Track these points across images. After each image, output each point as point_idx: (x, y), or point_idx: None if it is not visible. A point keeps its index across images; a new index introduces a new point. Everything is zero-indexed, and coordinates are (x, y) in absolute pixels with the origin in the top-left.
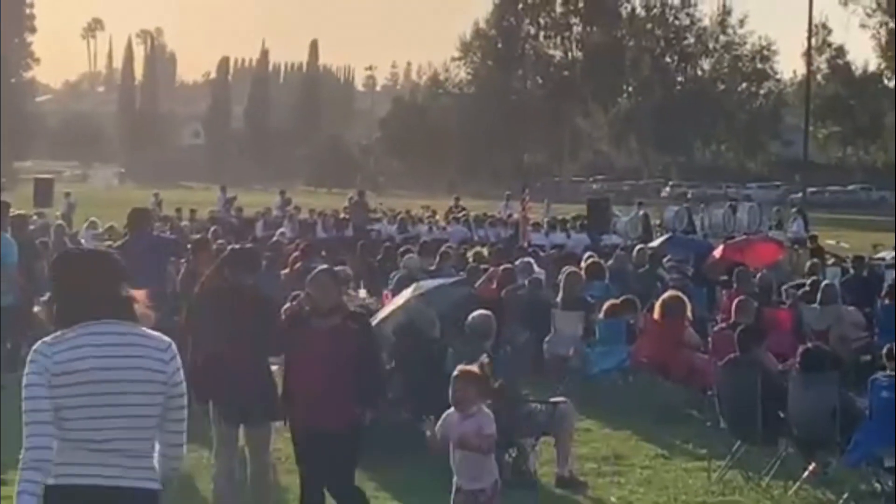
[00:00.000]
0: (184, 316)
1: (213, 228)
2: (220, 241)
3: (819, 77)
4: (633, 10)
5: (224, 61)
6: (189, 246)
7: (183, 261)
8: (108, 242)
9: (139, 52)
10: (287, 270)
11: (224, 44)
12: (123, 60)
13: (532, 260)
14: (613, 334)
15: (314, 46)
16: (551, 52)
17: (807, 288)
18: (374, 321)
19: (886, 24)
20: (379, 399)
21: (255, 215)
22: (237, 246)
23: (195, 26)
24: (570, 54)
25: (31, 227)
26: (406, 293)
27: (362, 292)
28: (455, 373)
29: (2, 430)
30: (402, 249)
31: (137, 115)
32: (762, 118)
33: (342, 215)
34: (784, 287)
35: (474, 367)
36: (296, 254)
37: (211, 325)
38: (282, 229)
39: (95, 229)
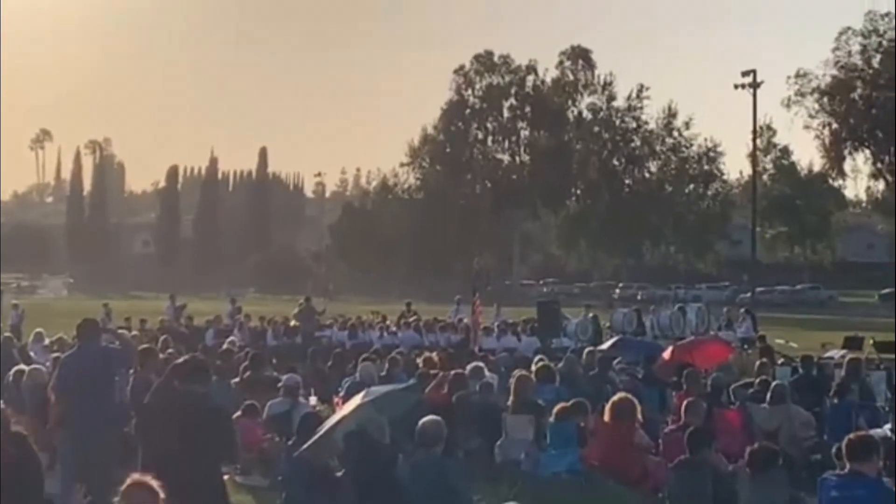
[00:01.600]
0: (133, 425)
1: (162, 338)
2: (169, 351)
3: (765, 177)
4: (580, 113)
5: (173, 170)
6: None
7: (131, 371)
8: (57, 354)
9: (88, 163)
10: (237, 379)
11: (173, 152)
12: (72, 171)
13: (482, 364)
14: (564, 437)
15: (263, 154)
16: (499, 156)
17: (756, 388)
18: (325, 428)
19: (829, 125)
20: None
21: (205, 324)
22: (187, 356)
23: (144, 136)
24: (517, 158)
25: None
26: (356, 399)
27: (313, 399)
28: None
29: None
30: (362, 357)
31: (86, 226)
32: (710, 219)
33: (292, 322)
34: (732, 387)
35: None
36: (245, 363)
37: (161, 435)
38: (232, 337)
39: (43, 341)
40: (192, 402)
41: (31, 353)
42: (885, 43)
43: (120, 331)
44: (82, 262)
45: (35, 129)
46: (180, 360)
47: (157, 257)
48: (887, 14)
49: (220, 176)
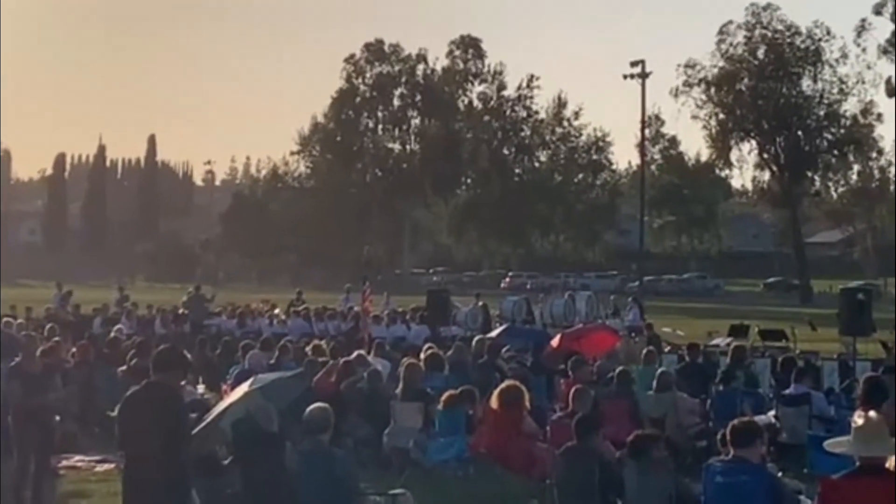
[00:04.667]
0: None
1: (48, 326)
2: (55, 339)
3: (653, 167)
4: (471, 102)
5: (60, 157)
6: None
7: (11, 363)
8: None
9: None
10: (124, 368)
11: (60, 140)
12: None
13: (365, 353)
14: (453, 425)
15: (152, 142)
16: (390, 145)
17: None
18: (212, 415)
19: (716, 115)
20: None
21: (92, 312)
22: (164, 346)
23: (30, 122)
24: (408, 147)
25: None
26: (243, 387)
27: (200, 387)
28: None
29: None
30: (243, 344)
31: None
32: (599, 208)
33: (181, 310)
34: (615, 373)
35: None
36: (133, 351)
37: (140, 427)
38: (119, 325)
39: None
40: (167, 393)
41: None
42: (768, 34)
43: (5, 320)
44: None
45: None
46: (159, 349)
47: (44, 245)
48: (768, 6)
49: (108, 163)
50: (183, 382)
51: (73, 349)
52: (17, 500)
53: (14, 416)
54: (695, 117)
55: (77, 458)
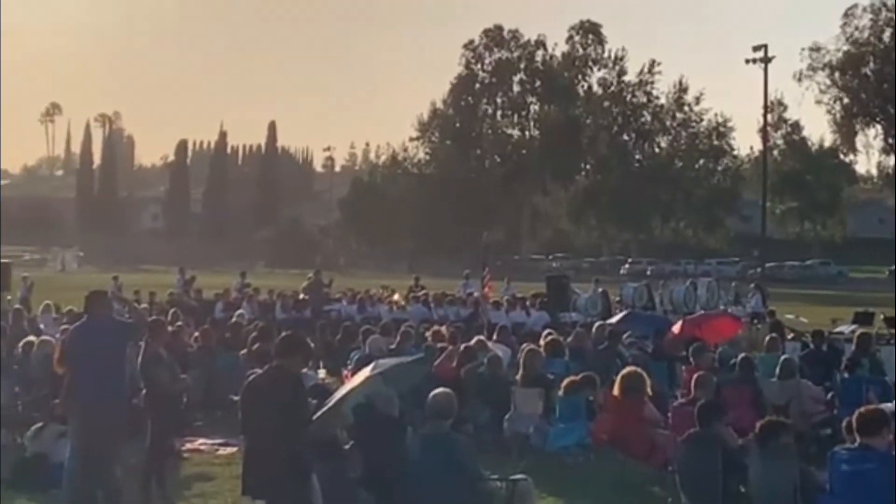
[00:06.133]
0: (142, 398)
1: (172, 311)
2: (178, 324)
3: (776, 153)
4: (590, 88)
5: (182, 144)
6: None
7: (140, 343)
8: (66, 326)
9: (97, 136)
10: (245, 351)
11: (182, 127)
12: (82, 144)
13: (484, 338)
14: (573, 411)
15: (272, 128)
16: (509, 131)
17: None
18: (333, 400)
19: (840, 99)
20: None
21: (214, 297)
22: (286, 333)
23: (153, 110)
24: (527, 133)
25: None
26: (365, 371)
27: (321, 372)
28: None
29: None
30: (363, 329)
31: (96, 199)
32: (720, 194)
33: (301, 296)
34: (737, 360)
35: None
36: (254, 335)
37: (261, 411)
38: (240, 310)
39: (52, 313)
40: (289, 378)
41: (41, 325)
42: (894, 17)
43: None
44: (92, 235)
45: (45, 103)
46: (281, 335)
47: (167, 231)
48: None
49: (229, 150)
50: (304, 368)
51: (196, 334)
52: (143, 481)
53: (149, 398)
54: (818, 102)
55: (200, 441)
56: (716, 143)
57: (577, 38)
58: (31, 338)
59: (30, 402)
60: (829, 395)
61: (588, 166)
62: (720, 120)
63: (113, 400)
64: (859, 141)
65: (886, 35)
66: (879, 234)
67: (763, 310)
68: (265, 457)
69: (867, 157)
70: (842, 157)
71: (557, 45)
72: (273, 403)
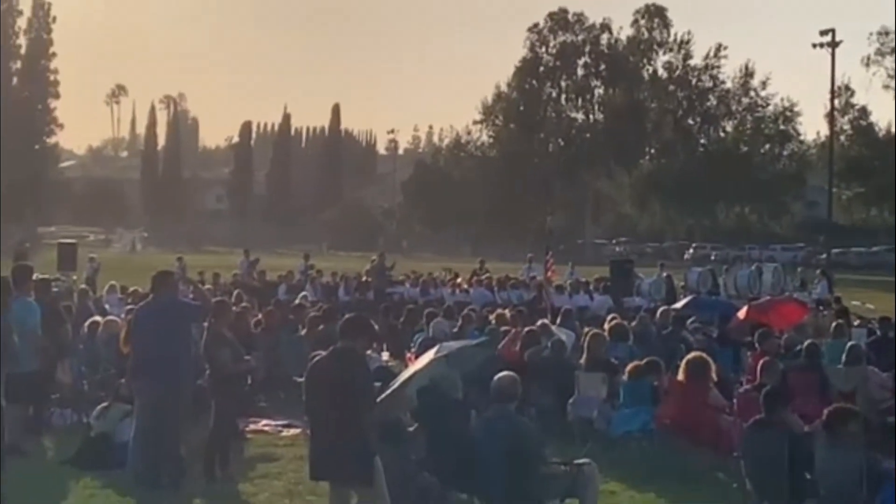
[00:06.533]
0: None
1: (235, 292)
2: (242, 305)
3: (842, 138)
4: (655, 71)
5: (246, 126)
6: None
7: (205, 324)
8: (131, 306)
9: (162, 118)
10: (308, 333)
11: (246, 108)
12: (146, 126)
13: (548, 322)
14: (638, 396)
15: (336, 110)
16: (573, 114)
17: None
18: (397, 382)
19: None
20: None
21: (277, 279)
22: (351, 315)
23: (217, 91)
24: (591, 117)
25: (55, 290)
26: (429, 354)
27: (385, 354)
28: None
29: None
30: (427, 311)
31: (160, 180)
32: (785, 179)
33: (364, 278)
34: (803, 346)
35: None
36: (318, 316)
37: (323, 391)
38: (304, 292)
39: (117, 293)
40: (354, 360)
41: (106, 305)
42: None
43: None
44: (156, 216)
45: (111, 84)
46: (346, 316)
47: (230, 212)
48: None
49: (292, 132)
50: (369, 350)
51: (259, 315)
52: (207, 462)
53: (214, 379)
54: (886, 87)
55: (264, 422)
56: (782, 127)
57: (642, 22)
58: (97, 318)
59: (95, 381)
60: None
61: (652, 150)
62: (786, 104)
63: (177, 380)
64: None
65: None
66: None
67: (829, 296)
68: (330, 438)
69: None
70: None
71: (622, 29)
72: (338, 385)
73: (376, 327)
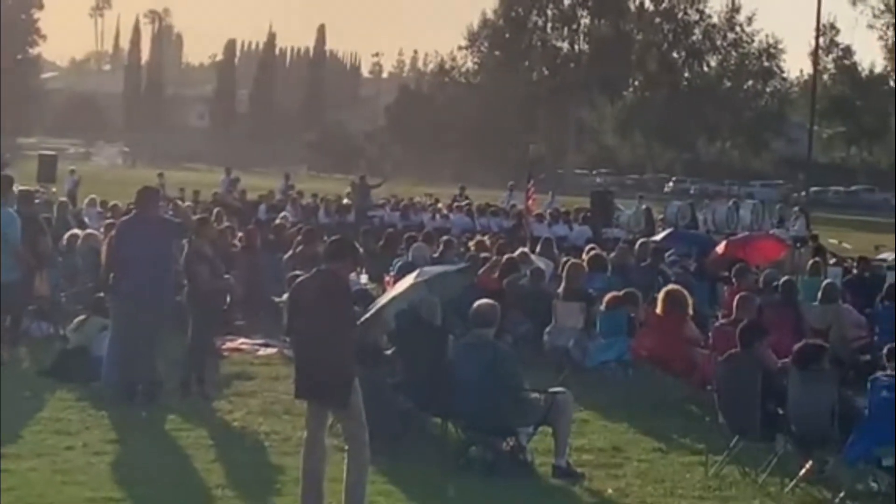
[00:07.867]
0: (185, 294)
1: (216, 210)
2: (225, 224)
3: (825, 77)
4: (642, 4)
5: (231, 44)
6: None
7: (185, 241)
8: (110, 220)
9: (146, 32)
10: (290, 254)
11: (231, 26)
12: (130, 40)
13: (527, 250)
14: (614, 326)
15: (321, 32)
16: (558, 44)
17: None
18: (376, 306)
19: (894, 25)
20: None
21: (258, 198)
22: (335, 237)
23: (203, 8)
24: (576, 47)
25: (37, 202)
26: (408, 279)
27: (364, 277)
28: None
29: (1, 406)
30: (407, 236)
31: (143, 95)
32: (767, 116)
33: (345, 201)
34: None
35: None
36: (298, 237)
37: (307, 308)
38: (284, 213)
39: (97, 206)
40: (337, 282)
41: (85, 219)
42: None
43: (176, 201)
44: (137, 131)
45: None
46: (331, 238)
47: (212, 130)
48: None
49: (277, 52)
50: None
51: (240, 234)
52: (183, 377)
53: (192, 295)
54: (871, 27)
55: (241, 340)
56: (766, 64)
57: None
58: (77, 231)
59: (73, 294)
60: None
61: (636, 82)
62: (771, 41)
63: (157, 294)
64: None
65: None
66: None
67: (806, 234)
68: (311, 358)
69: None
70: (892, 83)
71: None
72: (321, 306)
73: (361, 251)
